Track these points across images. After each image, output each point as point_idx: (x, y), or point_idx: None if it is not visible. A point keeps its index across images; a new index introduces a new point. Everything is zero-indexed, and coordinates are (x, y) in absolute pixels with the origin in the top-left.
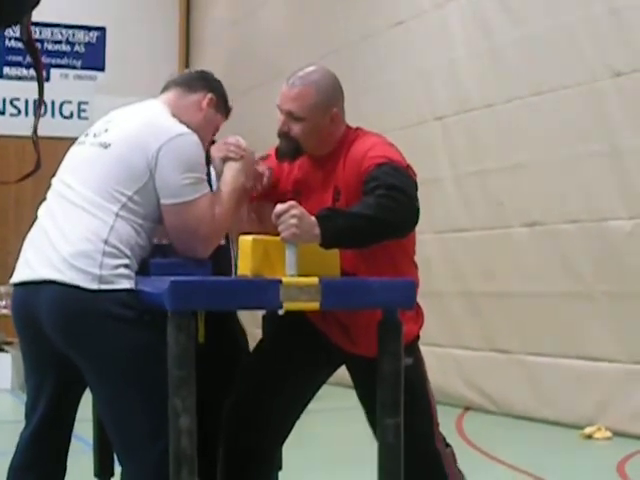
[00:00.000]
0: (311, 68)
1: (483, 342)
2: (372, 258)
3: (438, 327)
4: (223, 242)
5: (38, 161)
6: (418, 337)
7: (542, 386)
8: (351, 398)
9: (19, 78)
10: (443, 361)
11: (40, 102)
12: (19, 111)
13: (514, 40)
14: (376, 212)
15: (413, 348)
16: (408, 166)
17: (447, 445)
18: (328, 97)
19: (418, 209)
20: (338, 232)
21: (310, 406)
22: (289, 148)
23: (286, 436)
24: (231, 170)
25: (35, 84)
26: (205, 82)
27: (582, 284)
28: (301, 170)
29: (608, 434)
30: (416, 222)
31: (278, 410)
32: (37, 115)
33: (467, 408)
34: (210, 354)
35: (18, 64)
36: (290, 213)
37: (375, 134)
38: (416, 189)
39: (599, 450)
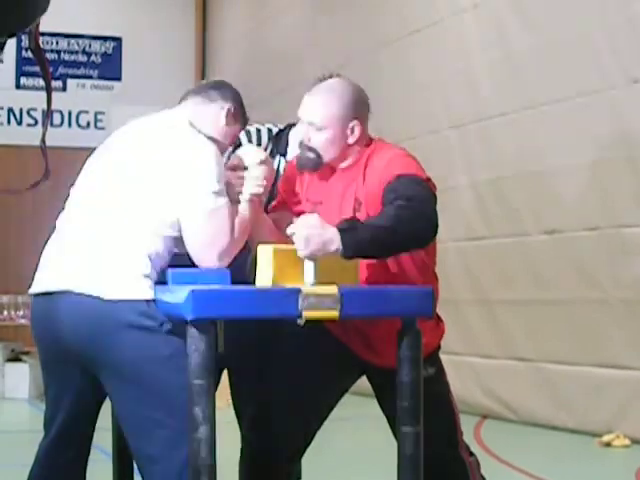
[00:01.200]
0: (334, 79)
1: (501, 350)
2: (393, 269)
3: (455, 335)
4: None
5: (47, 170)
6: (439, 347)
7: (560, 394)
8: (370, 407)
9: (36, 88)
10: (461, 369)
11: (48, 111)
12: (36, 121)
13: (531, 47)
14: (396, 223)
15: (435, 358)
16: (428, 179)
17: (471, 454)
18: (350, 108)
19: (437, 221)
20: (359, 243)
21: (330, 415)
22: (309, 159)
23: (306, 448)
24: (249, 180)
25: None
26: (224, 93)
27: (600, 291)
28: (322, 180)
29: (627, 442)
30: (435, 234)
31: (299, 422)
32: (45, 124)
33: (485, 416)
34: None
35: (34, 74)
36: (296, 237)
37: (396, 146)
38: (435, 201)
39: (617, 458)
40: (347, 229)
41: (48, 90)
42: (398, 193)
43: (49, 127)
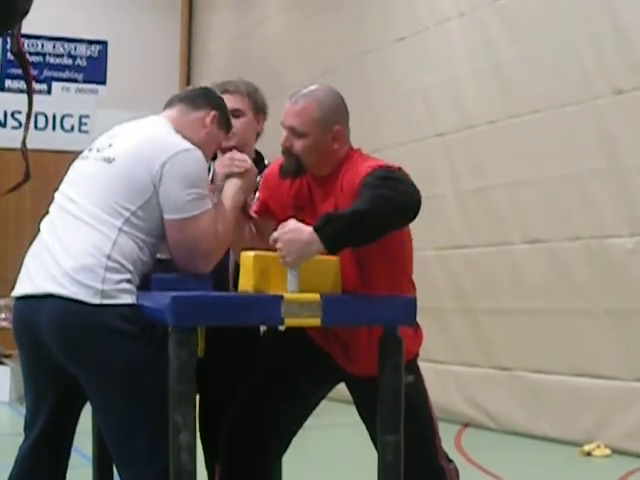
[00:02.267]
0: (315, 86)
1: (483, 359)
2: (370, 277)
3: (438, 343)
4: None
5: (27, 172)
6: (417, 355)
7: (541, 403)
8: (350, 414)
9: (21, 91)
10: (443, 377)
11: (29, 114)
12: (20, 124)
13: (516, 57)
14: (373, 203)
15: (413, 366)
16: (400, 168)
17: (450, 461)
18: (331, 114)
19: (418, 191)
20: (338, 235)
21: (309, 422)
22: (291, 165)
23: (283, 451)
24: (233, 186)
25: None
26: (208, 99)
27: (583, 301)
28: (303, 187)
29: (607, 452)
30: (418, 203)
31: (277, 424)
32: (26, 127)
33: (466, 424)
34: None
35: (19, 77)
36: (277, 245)
37: (375, 158)
38: (413, 183)
39: (598, 467)
40: (322, 225)
41: (29, 93)
42: (373, 178)
43: (33, 130)
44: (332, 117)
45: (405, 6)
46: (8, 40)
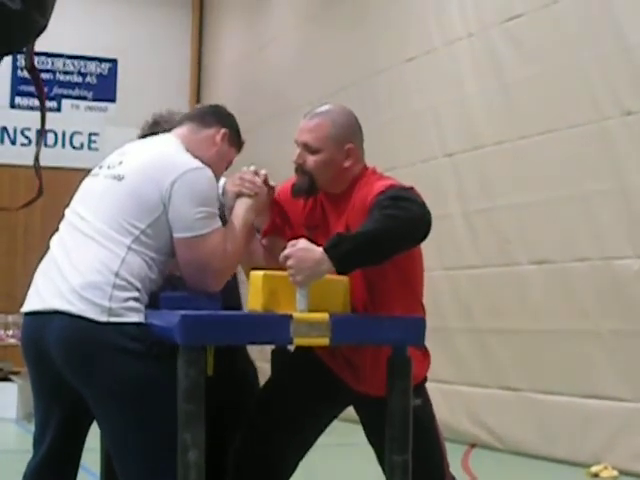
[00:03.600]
0: (329, 105)
1: (490, 379)
2: (380, 298)
3: (445, 364)
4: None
5: (40, 188)
6: (425, 379)
7: (548, 424)
8: (357, 434)
9: (30, 108)
10: (450, 398)
11: (42, 131)
12: (30, 141)
13: (525, 78)
14: (383, 223)
15: (421, 389)
16: (412, 187)
17: None
18: (344, 132)
19: (428, 212)
20: (347, 256)
21: (317, 441)
22: (304, 184)
23: (292, 473)
24: (243, 205)
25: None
26: (218, 117)
27: (589, 322)
28: (317, 206)
29: (614, 473)
30: (429, 224)
31: (286, 446)
32: (39, 143)
33: (473, 445)
34: (219, 385)
35: (29, 94)
36: (287, 264)
37: (389, 177)
38: (423, 202)
39: None
40: (332, 246)
41: (42, 110)
42: (384, 198)
43: (43, 147)
44: (345, 135)
45: (415, 26)
46: (18, 57)
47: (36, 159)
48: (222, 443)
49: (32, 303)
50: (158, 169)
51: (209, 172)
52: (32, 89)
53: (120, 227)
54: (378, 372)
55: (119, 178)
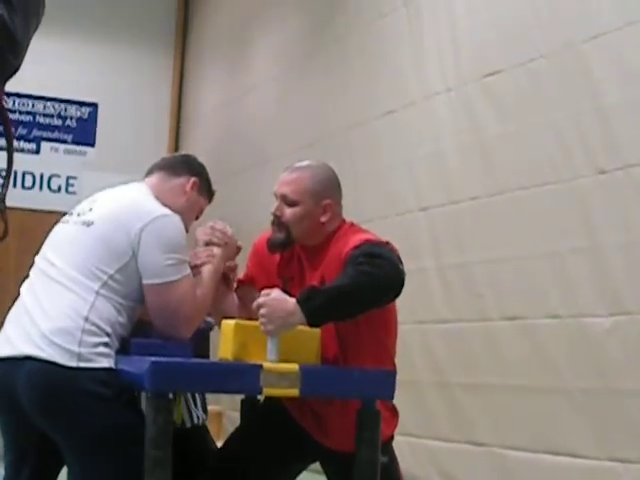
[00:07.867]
0: (310, 161)
1: (458, 434)
2: (351, 351)
3: (413, 417)
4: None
5: (5, 230)
6: (392, 438)
7: (516, 479)
8: None
9: (1, 149)
10: (417, 451)
11: (9, 172)
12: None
13: (501, 134)
14: (356, 279)
15: (387, 448)
16: (387, 242)
17: None
18: (323, 186)
19: (402, 270)
20: (319, 309)
21: None
22: (278, 238)
23: None
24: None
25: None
26: (189, 166)
27: (560, 380)
28: (293, 258)
29: None
30: (401, 282)
31: None
32: (5, 185)
33: None
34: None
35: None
36: (260, 312)
37: (366, 231)
38: (399, 258)
39: None
40: (304, 299)
41: (9, 151)
42: (358, 254)
43: (20, 189)
44: (324, 191)
45: (392, 80)
46: None
47: (1, 200)
48: None
49: (2, 349)
50: (127, 215)
51: (178, 219)
52: (1, 129)
53: (89, 272)
54: (345, 426)
55: (88, 224)
